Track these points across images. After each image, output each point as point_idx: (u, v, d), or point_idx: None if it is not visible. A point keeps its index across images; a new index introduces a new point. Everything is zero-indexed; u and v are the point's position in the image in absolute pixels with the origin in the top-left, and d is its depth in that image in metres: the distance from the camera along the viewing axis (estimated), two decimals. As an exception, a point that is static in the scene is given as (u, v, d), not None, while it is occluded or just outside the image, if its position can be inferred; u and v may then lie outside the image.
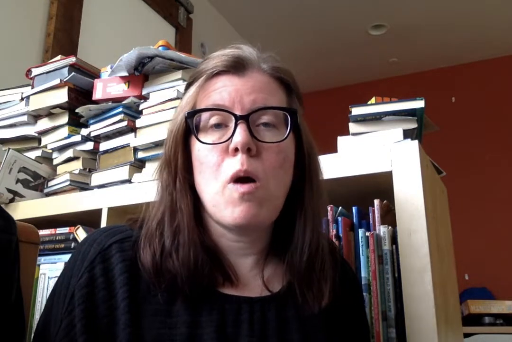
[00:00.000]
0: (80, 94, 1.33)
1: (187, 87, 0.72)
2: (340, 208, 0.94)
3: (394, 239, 0.88)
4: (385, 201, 0.92)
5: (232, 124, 0.64)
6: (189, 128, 0.67)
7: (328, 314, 0.69)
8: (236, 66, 0.67)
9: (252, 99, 0.65)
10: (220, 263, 0.66)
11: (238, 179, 0.62)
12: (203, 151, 0.65)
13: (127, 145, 1.24)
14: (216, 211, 0.64)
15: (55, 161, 1.35)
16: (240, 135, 0.62)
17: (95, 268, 0.63)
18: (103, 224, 1.13)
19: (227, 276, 0.66)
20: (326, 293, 0.66)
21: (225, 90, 0.66)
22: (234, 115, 0.63)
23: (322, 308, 0.66)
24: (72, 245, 1.13)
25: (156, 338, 0.60)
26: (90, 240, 0.68)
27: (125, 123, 1.23)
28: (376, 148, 0.93)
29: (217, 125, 0.65)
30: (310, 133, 0.72)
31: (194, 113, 0.66)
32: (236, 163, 0.62)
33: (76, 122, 1.34)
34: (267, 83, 0.68)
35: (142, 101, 1.25)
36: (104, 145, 1.28)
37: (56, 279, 0.69)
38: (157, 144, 1.18)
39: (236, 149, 0.62)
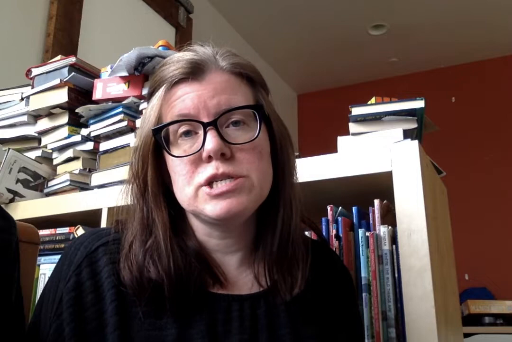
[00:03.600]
0: (80, 94, 1.33)
1: (149, 97, 0.70)
2: (340, 208, 0.94)
3: (394, 239, 0.88)
4: (385, 201, 0.92)
5: (201, 132, 0.63)
6: (157, 142, 0.66)
7: (318, 307, 0.70)
8: (194, 72, 0.66)
9: (216, 103, 0.64)
10: (208, 265, 0.66)
11: (213, 181, 0.62)
12: (176, 162, 0.65)
13: (127, 145, 1.24)
14: (197, 213, 0.64)
15: (55, 161, 1.35)
16: (211, 142, 0.62)
17: (83, 272, 0.64)
18: (103, 224, 1.13)
19: (216, 277, 0.66)
20: (298, 281, 0.67)
21: (187, 98, 0.65)
22: (202, 123, 0.63)
23: (294, 296, 0.67)
24: (72, 245, 1.13)
25: (145, 340, 0.60)
26: (76, 244, 0.67)
27: (125, 123, 1.23)
28: (376, 148, 0.93)
29: (187, 133, 0.65)
30: (281, 120, 0.71)
31: (160, 129, 0.65)
32: (211, 169, 0.62)
33: (76, 122, 1.34)
34: (228, 82, 0.67)
35: (142, 101, 1.25)
36: (104, 145, 1.28)
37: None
38: (157, 144, 1.18)
39: (210, 157, 0.62)
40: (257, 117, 0.66)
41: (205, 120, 0.63)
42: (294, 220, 0.69)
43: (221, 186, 0.62)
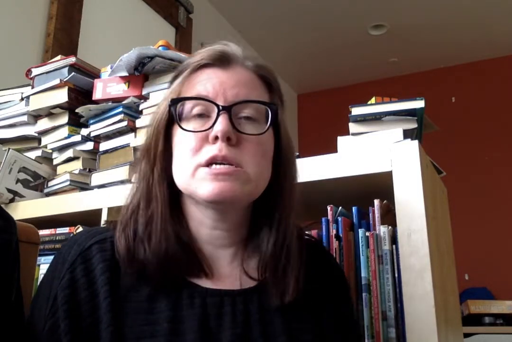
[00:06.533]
0: (80, 94, 1.33)
1: (173, 80, 0.74)
2: (340, 208, 0.94)
3: (394, 239, 0.88)
4: (385, 201, 0.92)
5: (214, 115, 0.65)
6: (171, 118, 0.68)
7: (312, 303, 0.70)
8: (221, 60, 0.69)
9: (235, 93, 0.67)
10: (194, 255, 0.67)
11: (213, 163, 0.64)
12: (183, 138, 0.66)
13: (127, 145, 1.24)
14: (190, 192, 0.65)
15: (55, 161, 1.35)
16: (221, 124, 0.64)
17: (76, 269, 0.64)
18: (103, 224, 1.12)
19: (201, 267, 0.67)
20: (290, 289, 0.67)
21: (209, 82, 0.68)
22: (217, 105, 0.65)
23: (285, 303, 0.67)
24: (72, 245, 1.13)
25: (138, 335, 0.61)
26: (70, 242, 0.68)
27: (125, 123, 1.23)
28: (376, 148, 0.93)
29: (200, 115, 0.67)
30: (289, 132, 0.74)
31: (177, 101, 0.68)
32: (214, 149, 0.64)
33: (76, 122, 1.33)
34: (250, 79, 0.70)
35: (142, 101, 1.25)
36: (104, 145, 1.28)
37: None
38: (157, 144, 1.18)
39: (216, 138, 0.64)
40: (269, 115, 0.68)
41: (221, 104, 0.65)
42: (290, 225, 0.70)
43: (219, 167, 0.63)
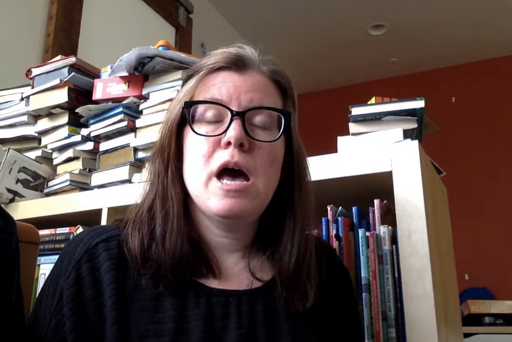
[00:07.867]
0: (80, 94, 1.33)
1: (186, 80, 0.73)
2: (340, 208, 0.94)
3: (394, 239, 0.88)
4: (385, 201, 0.92)
5: (227, 119, 0.65)
6: (184, 119, 0.68)
7: (317, 304, 0.70)
8: (237, 64, 0.69)
9: (249, 98, 0.66)
10: (204, 255, 0.68)
11: (226, 172, 0.64)
12: (196, 141, 0.66)
13: (127, 145, 1.24)
14: (200, 201, 0.66)
15: (55, 161, 1.35)
16: (234, 130, 0.63)
17: (82, 267, 0.64)
18: (103, 224, 1.13)
19: (210, 267, 0.67)
20: (311, 296, 0.68)
21: (224, 86, 0.67)
22: (231, 110, 0.65)
23: (307, 308, 0.67)
24: (72, 245, 1.13)
25: (143, 334, 0.61)
26: (76, 240, 0.68)
27: (125, 123, 1.23)
28: (376, 148, 0.93)
29: (213, 118, 0.67)
30: (300, 138, 0.74)
31: (191, 104, 0.67)
32: (226, 155, 0.63)
33: (76, 122, 1.33)
34: (265, 84, 0.69)
35: (142, 101, 1.25)
36: (104, 145, 1.28)
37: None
38: (157, 144, 1.18)
39: (228, 143, 0.64)
40: (282, 122, 0.67)
41: (235, 110, 0.65)
42: (309, 232, 0.71)
43: (231, 183, 0.63)
